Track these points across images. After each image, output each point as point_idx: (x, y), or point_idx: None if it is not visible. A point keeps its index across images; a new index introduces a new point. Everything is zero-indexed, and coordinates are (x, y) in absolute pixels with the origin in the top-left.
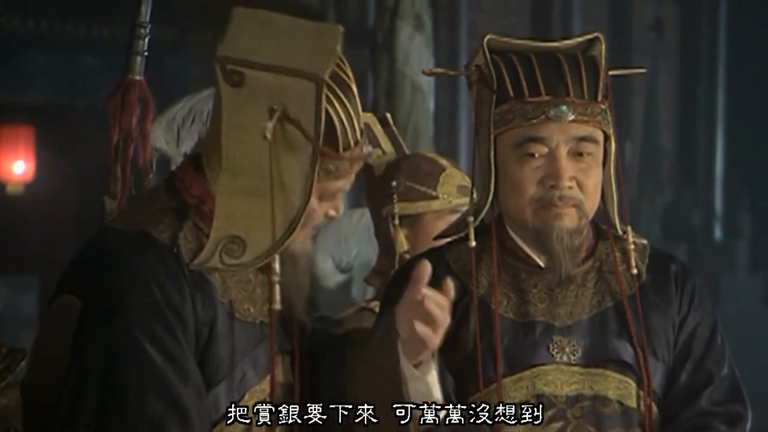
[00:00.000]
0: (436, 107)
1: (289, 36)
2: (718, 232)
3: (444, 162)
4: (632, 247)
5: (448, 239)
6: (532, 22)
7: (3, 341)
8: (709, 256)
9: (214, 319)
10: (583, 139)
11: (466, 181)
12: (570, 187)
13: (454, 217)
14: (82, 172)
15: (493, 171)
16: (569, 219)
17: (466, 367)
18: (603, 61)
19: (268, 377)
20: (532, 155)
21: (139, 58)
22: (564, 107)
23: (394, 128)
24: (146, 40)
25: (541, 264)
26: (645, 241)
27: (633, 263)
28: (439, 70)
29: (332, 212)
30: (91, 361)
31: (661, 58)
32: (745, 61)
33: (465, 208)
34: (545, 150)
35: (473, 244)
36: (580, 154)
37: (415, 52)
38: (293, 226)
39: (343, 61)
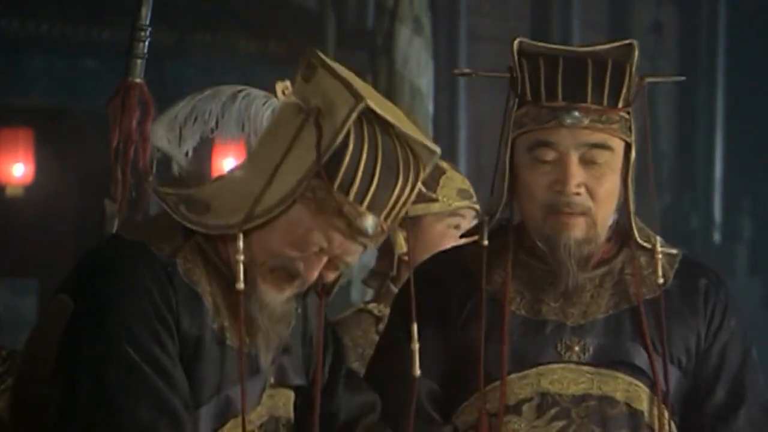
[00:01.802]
0: (435, 110)
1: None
2: (717, 236)
3: (444, 165)
4: (660, 256)
5: (470, 239)
6: (531, 25)
7: (3, 344)
8: (708, 259)
9: (199, 340)
10: (595, 146)
11: (466, 185)
12: (578, 194)
13: (453, 220)
14: (82, 175)
15: (507, 174)
16: (578, 229)
17: (473, 363)
18: (633, 69)
19: (258, 409)
20: (542, 160)
21: (139, 61)
22: (577, 113)
23: None
24: (146, 43)
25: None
26: (674, 251)
27: (660, 272)
28: (467, 71)
29: (307, 272)
30: (81, 366)
31: (660, 61)
32: (744, 64)
33: (465, 212)
34: (555, 155)
35: (486, 242)
36: (593, 162)
37: (414, 55)
38: (254, 216)
39: (422, 164)
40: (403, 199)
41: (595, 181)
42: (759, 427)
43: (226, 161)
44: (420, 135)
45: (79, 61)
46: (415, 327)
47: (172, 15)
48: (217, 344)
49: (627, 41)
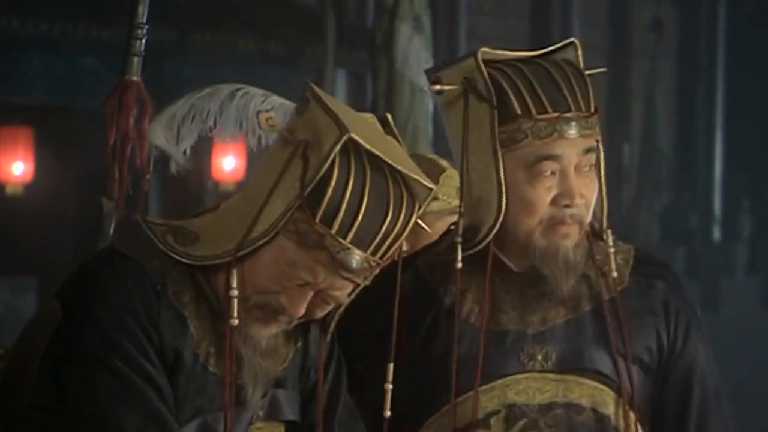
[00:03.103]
0: (435, 108)
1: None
2: (716, 234)
3: (444, 163)
4: (612, 250)
5: (422, 245)
6: (531, 24)
7: (2, 343)
8: (707, 258)
9: (179, 359)
10: (587, 151)
11: None
12: (578, 205)
13: (453, 218)
14: (81, 174)
15: (504, 191)
16: (573, 237)
17: (434, 379)
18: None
19: None
20: (546, 174)
21: (136, 59)
22: (574, 123)
23: (394, 129)
24: (143, 41)
25: (514, 268)
26: (629, 246)
27: (613, 266)
28: (438, 87)
29: (292, 307)
30: (67, 376)
31: (660, 61)
32: (743, 62)
33: None
34: (558, 167)
35: (459, 265)
36: (584, 168)
37: (414, 53)
38: (243, 246)
39: (418, 201)
40: (393, 234)
41: (586, 187)
42: (725, 422)
43: (226, 160)
44: (416, 171)
45: (79, 60)
46: (391, 366)
47: (172, 14)
48: (198, 368)
49: (569, 40)
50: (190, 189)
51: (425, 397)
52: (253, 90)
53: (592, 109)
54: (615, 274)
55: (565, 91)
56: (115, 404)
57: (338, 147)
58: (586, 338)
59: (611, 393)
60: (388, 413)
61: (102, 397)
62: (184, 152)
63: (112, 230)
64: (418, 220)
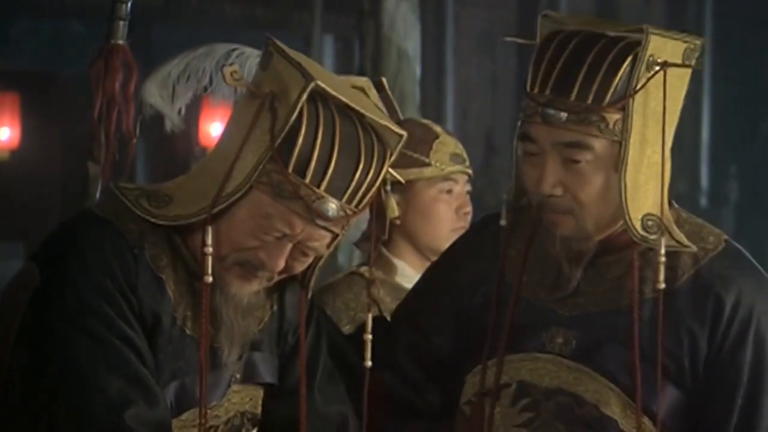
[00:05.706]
0: (422, 73)
1: (344, 84)
2: (703, 200)
3: (438, 129)
4: (663, 260)
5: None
6: None
7: None
8: None
9: (158, 323)
10: (570, 145)
11: (459, 149)
12: (554, 195)
13: (446, 185)
14: (68, 139)
15: (515, 161)
16: (566, 227)
17: (477, 340)
18: (628, 62)
19: (225, 404)
20: (528, 154)
21: (121, 23)
22: (552, 110)
23: (389, 93)
24: (129, 4)
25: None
26: (719, 242)
27: (661, 278)
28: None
29: (271, 261)
30: (47, 339)
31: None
32: (730, 30)
33: (457, 176)
34: (538, 150)
35: (503, 222)
36: (572, 161)
37: (401, 18)
38: (218, 203)
39: (388, 149)
40: (367, 182)
41: (575, 182)
42: None
43: (213, 125)
44: (384, 118)
45: (66, 25)
46: (369, 317)
47: None
48: (176, 331)
49: (640, 26)
50: (178, 154)
51: (471, 351)
52: (248, 50)
53: (604, 104)
54: (662, 284)
55: (581, 77)
56: (96, 368)
57: (305, 95)
58: (611, 334)
59: (621, 395)
60: (368, 363)
61: (83, 361)
62: (179, 111)
63: (98, 195)
64: (390, 170)
